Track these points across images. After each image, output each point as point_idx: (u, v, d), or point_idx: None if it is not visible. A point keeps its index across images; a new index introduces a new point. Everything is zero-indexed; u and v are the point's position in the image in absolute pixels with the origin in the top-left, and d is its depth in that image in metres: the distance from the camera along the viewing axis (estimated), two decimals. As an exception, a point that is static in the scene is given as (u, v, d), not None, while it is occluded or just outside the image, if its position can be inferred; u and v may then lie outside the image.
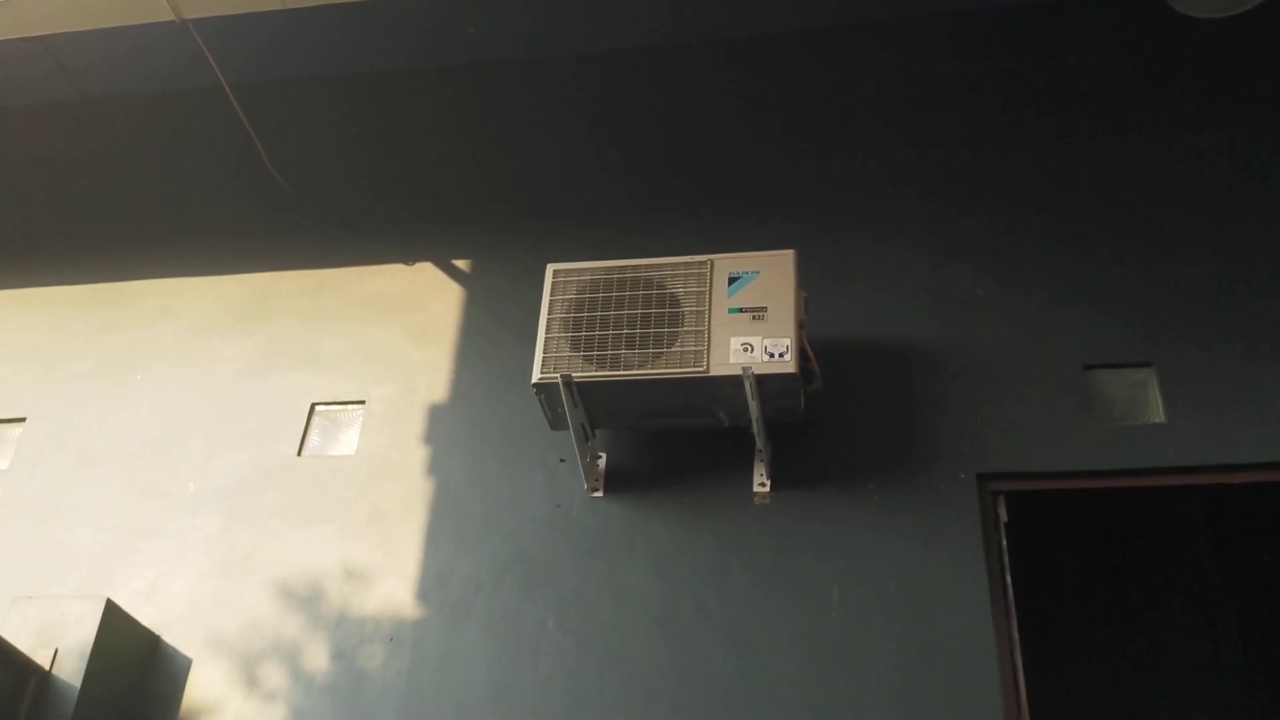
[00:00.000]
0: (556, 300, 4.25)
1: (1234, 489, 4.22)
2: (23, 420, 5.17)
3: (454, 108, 5.75)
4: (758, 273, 4.18)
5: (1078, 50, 5.14)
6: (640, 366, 4.07)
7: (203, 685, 4.31)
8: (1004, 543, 4.08)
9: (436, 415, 4.79)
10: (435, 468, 4.65)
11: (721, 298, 4.14)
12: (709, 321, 4.09)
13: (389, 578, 4.41)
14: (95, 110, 6.15)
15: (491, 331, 4.96)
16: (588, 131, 5.54)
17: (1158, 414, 4.22)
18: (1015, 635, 3.92)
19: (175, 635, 4.43)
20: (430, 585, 4.36)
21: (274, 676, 4.28)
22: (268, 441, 4.86)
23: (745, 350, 4.02)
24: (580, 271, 4.28)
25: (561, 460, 4.52)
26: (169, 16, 4.65)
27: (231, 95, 5.10)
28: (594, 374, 4.09)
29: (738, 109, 5.42)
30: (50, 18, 4.79)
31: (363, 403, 4.90)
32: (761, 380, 3.99)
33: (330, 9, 4.75)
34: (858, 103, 5.28)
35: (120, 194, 5.90)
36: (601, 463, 4.48)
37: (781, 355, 3.99)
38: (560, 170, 5.43)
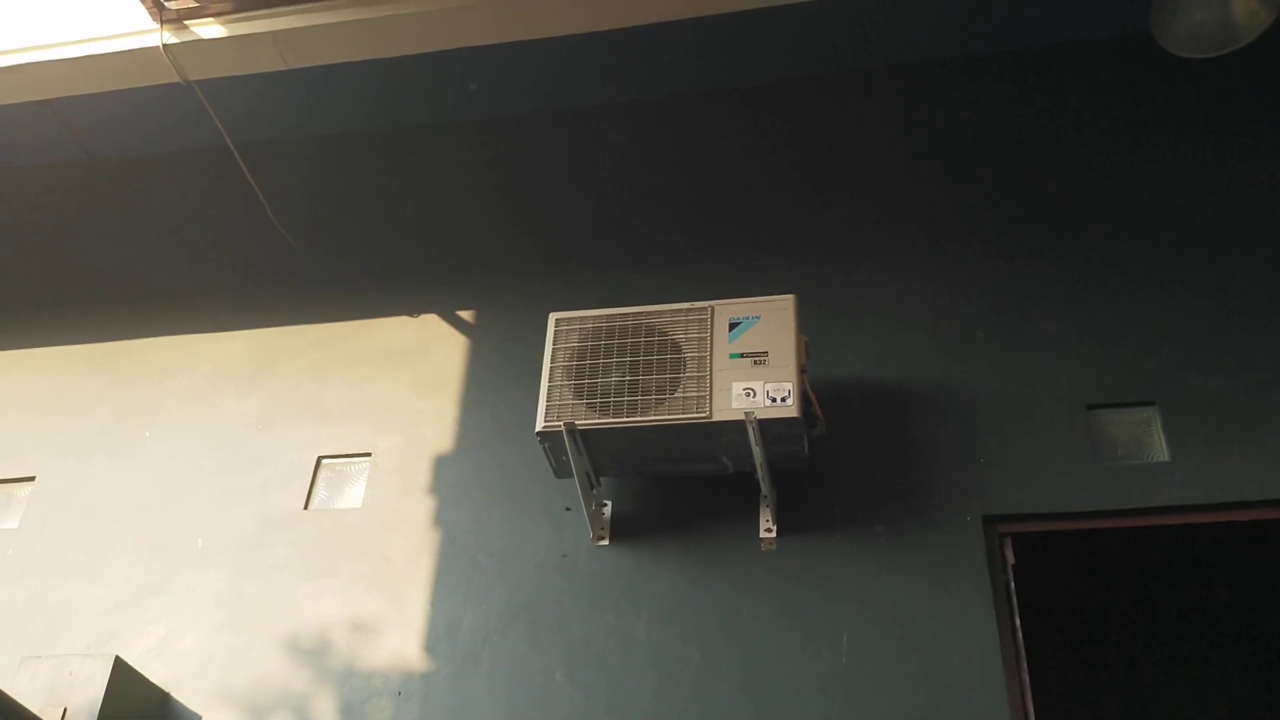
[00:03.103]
0: (559, 349, 4.28)
1: (1245, 526, 4.21)
2: (32, 479, 5.19)
3: (456, 161, 5.81)
4: (758, 318, 4.20)
5: (1075, 91, 5.20)
6: (643, 413, 4.08)
7: (211, 742, 4.30)
8: (1012, 584, 4.07)
9: (442, 466, 4.81)
10: (441, 519, 4.66)
11: (723, 343, 4.15)
12: (710, 367, 4.11)
13: (397, 630, 4.41)
14: (103, 171, 6.23)
15: (496, 381, 4.98)
16: (590, 180, 5.59)
17: (1162, 453, 4.21)
18: (1025, 677, 3.90)
19: (184, 692, 4.42)
20: (438, 637, 4.36)
21: (283, 732, 4.27)
22: (275, 496, 4.87)
23: (747, 395, 4.03)
24: (582, 320, 4.31)
25: (567, 509, 4.53)
26: (174, 78, 4.72)
27: (237, 154, 5.17)
28: (597, 421, 4.11)
29: (738, 153, 5.47)
30: (58, 81, 4.86)
31: (369, 455, 4.92)
32: (764, 425, 4.00)
33: (332, 69, 4.81)
34: (858, 145, 5.33)
35: (128, 253, 5.96)
36: (607, 511, 4.49)
37: (783, 400, 4.01)
38: (563, 219, 5.48)
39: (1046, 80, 5.27)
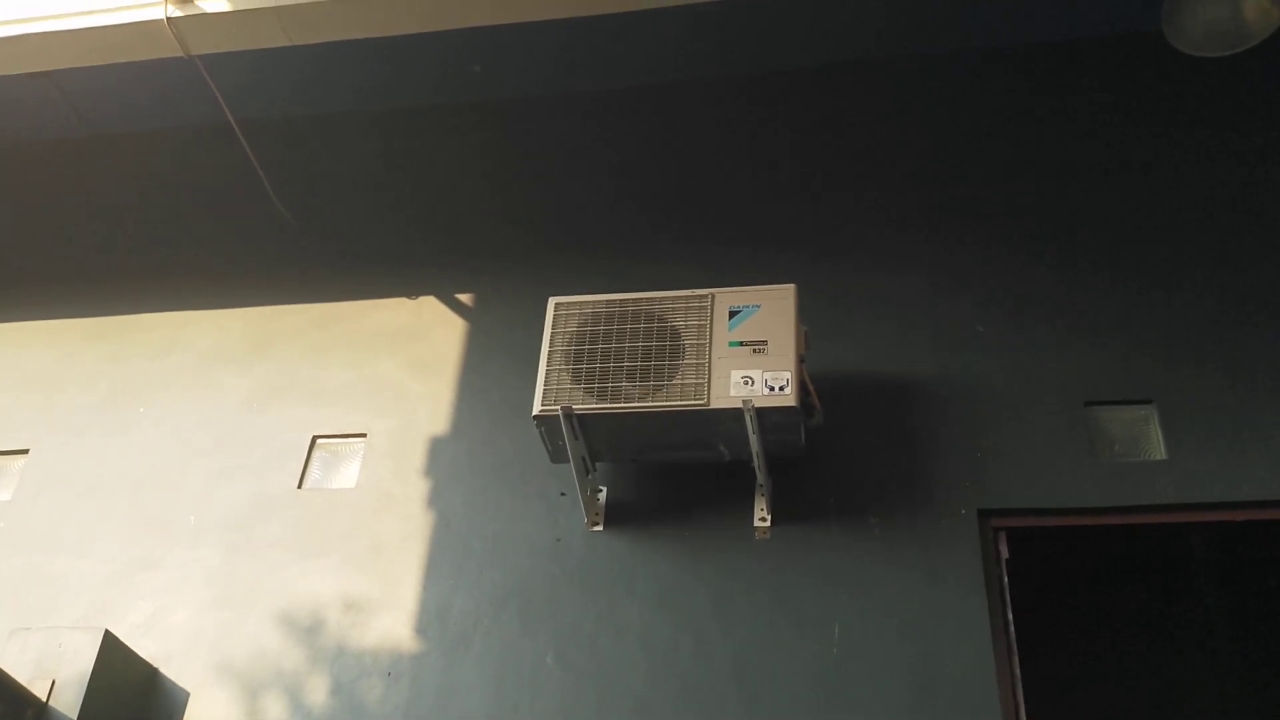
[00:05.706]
0: (558, 333, 4.26)
1: (1237, 526, 4.21)
2: (25, 452, 5.17)
3: (457, 143, 5.80)
4: (758, 306, 4.19)
5: (1080, 87, 5.19)
6: (641, 399, 4.07)
7: (200, 718, 4.28)
8: (1005, 579, 4.07)
9: (437, 448, 4.79)
10: (435, 501, 4.65)
11: (722, 331, 4.14)
12: (710, 355, 4.09)
13: (388, 611, 4.40)
14: (103, 145, 6.21)
15: (493, 365, 4.97)
16: (591, 165, 5.58)
17: (1159, 451, 4.21)
18: (1017, 672, 3.90)
19: (174, 668, 4.41)
20: (429, 619, 4.35)
21: (272, 710, 4.25)
22: (269, 474, 4.86)
23: (746, 383, 4.02)
24: (581, 304, 4.30)
25: (562, 494, 4.52)
26: (177, 52, 4.69)
27: (238, 130, 5.14)
28: (594, 406, 4.09)
29: (742, 143, 5.46)
30: (58, 53, 4.84)
31: (364, 436, 4.90)
32: (762, 413, 3.99)
33: (335, 46, 4.79)
34: (861, 138, 5.32)
35: (126, 227, 5.94)
36: (602, 496, 4.48)
37: (782, 389, 3.99)
38: (563, 203, 5.46)
39: (1051, 77, 5.27)
